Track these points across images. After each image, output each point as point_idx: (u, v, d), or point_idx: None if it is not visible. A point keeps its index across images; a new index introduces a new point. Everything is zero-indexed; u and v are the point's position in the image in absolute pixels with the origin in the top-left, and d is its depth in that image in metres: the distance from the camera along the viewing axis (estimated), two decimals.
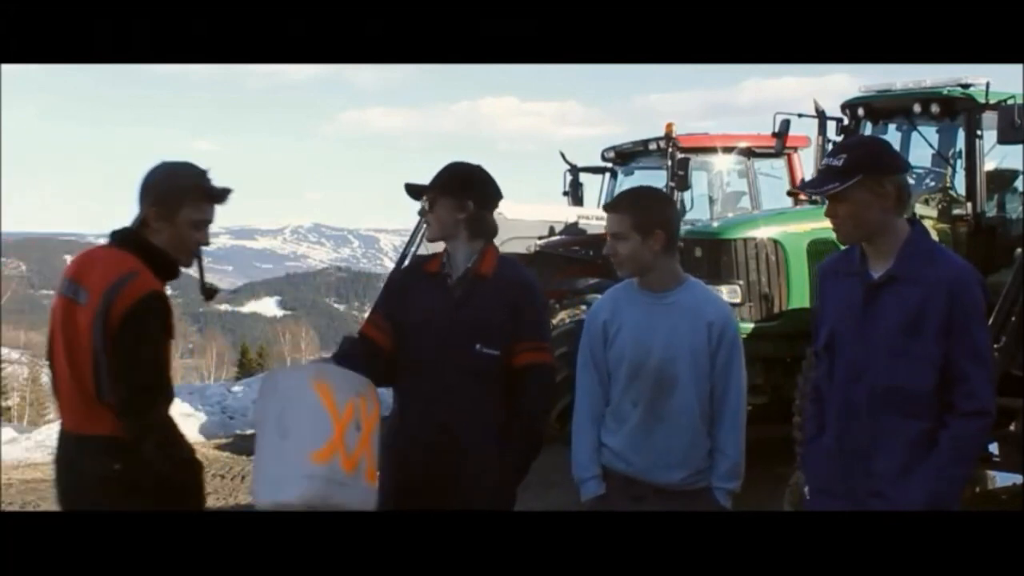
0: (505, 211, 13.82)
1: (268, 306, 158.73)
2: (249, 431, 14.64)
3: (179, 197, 4.42)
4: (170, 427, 4.42)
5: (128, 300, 4.22)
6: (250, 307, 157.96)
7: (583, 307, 12.86)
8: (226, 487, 11.31)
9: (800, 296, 10.27)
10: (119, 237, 4.47)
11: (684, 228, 12.93)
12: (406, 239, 14.77)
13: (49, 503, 10.91)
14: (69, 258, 5.97)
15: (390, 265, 17.29)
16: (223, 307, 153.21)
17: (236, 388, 16.41)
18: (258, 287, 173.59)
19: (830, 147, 11.58)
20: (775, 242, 10.31)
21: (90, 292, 4.29)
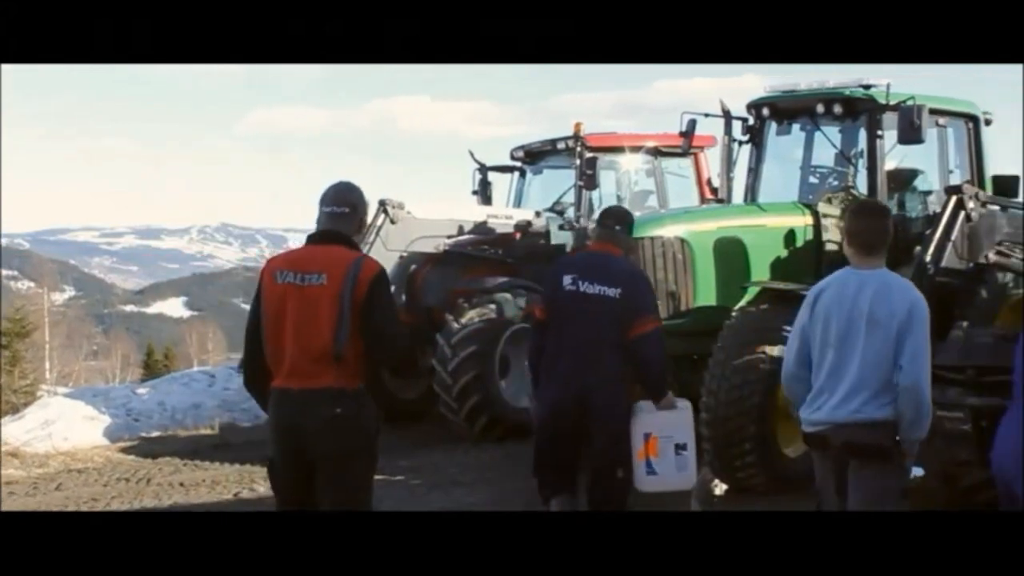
0: (414, 211, 13.93)
1: (174, 307, 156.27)
2: (155, 433, 14.43)
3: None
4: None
5: (369, 273, 5.52)
6: (156, 308, 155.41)
7: (491, 306, 12.88)
8: (131, 490, 11.13)
9: (707, 294, 10.35)
10: (331, 237, 5.69)
11: (592, 227, 13.00)
12: None
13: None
14: None
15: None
16: (128, 308, 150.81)
17: (141, 390, 16.18)
18: (164, 287, 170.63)
19: (736, 147, 11.75)
20: (682, 240, 10.36)
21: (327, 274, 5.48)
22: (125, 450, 13.48)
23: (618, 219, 7.65)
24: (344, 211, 5.74)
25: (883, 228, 5.82)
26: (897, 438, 5.57)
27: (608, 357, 7.24)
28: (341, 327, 5.45)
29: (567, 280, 7.38)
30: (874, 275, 5.70)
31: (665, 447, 7.26)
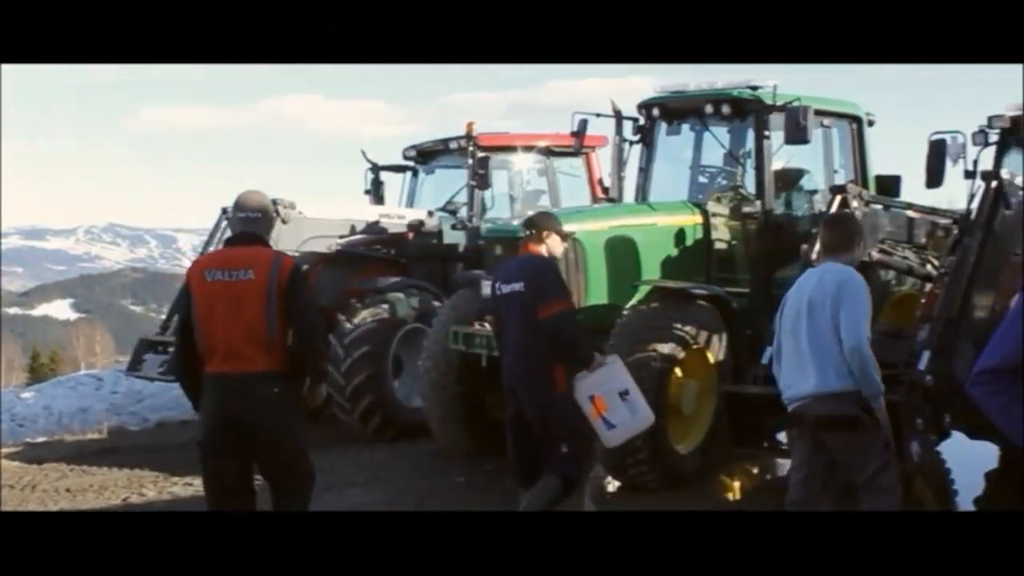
0: (305, 210, 13.84)
1: (61, 308, 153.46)
2: (41, 438, 14.14)
3: None
4: None
5: (288, 266, 6.16)
6: (41, 310, 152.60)
7: (384, 306, 12.85)
8: (16, 497, 10.90)
9: (598, 293, 10.41)
10: (249, 238, 6.30)
11: (485, 227, 13.04)
12: (205, 238, 14.51)
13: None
14: None
15: (188, 265, 16.36)
16: (12, 310, 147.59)
17: (26, 395, 15.87)
18: (50, 289, 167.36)
19: (627, 146, 11.87)
20: (574, 239, 10.41)
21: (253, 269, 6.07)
22: (9, 456, 13.17)
23: (528, 223, 8.45)
24: (257, 216, 6.38)
25: (842, 234, 6.79)
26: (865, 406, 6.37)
27: (529, 347, 7.87)
28: (270, 313, 6.03)
29: (496, 287, 8.21)
30: (820, 267, 6.66)
31: (611, 399, 7.87)
